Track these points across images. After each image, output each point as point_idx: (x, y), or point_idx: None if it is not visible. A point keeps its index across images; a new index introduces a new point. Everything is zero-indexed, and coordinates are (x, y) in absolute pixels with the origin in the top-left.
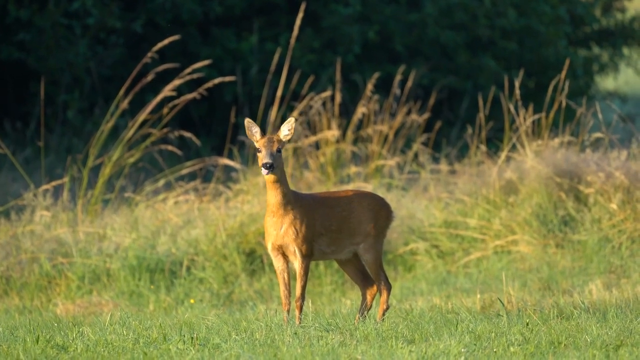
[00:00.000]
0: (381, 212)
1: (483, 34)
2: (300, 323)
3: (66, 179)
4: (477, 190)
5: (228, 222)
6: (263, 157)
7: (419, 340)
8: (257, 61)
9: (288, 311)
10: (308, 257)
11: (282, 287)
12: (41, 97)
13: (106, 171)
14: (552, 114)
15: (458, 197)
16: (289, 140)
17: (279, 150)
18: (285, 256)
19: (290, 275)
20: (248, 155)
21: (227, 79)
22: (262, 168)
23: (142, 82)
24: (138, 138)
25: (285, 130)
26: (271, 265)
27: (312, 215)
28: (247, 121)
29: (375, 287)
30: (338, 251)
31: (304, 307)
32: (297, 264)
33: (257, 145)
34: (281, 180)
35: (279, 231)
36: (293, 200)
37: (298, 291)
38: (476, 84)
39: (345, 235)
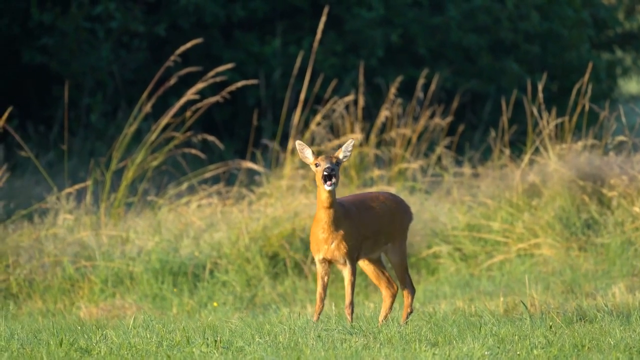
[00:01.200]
0: (406, 212)
1: (506, 37)
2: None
3: (89, 183)
4: (500, 194)
5: (251, 226)
6: (324, 169)
7: (443, 344)
8: (280, 65)
9: (320, 313)
10: (356, 263)
11: (319, 289)
12: (65, 101)
13: (129, 174)
14: (575, 118)
15: (481, 200)
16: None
17: (338, 164)
18: (330, 263)
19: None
20: (271, 158)
21: (250, 82)
22: (324, 180)
23: (165, 86)
24: (161, 141)
25: (346, 152)
26: (294, 268)
27: (358, 223)
28: (299, 143)
29: (395, 288)
30: (375, 251)
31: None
32: (346, 272)
33: (313, 162)
34: (334, 199)
35: (330, 246)
36: (342, 215)
37: (348, 297)
38: (499, 87)
39: (382, 236)
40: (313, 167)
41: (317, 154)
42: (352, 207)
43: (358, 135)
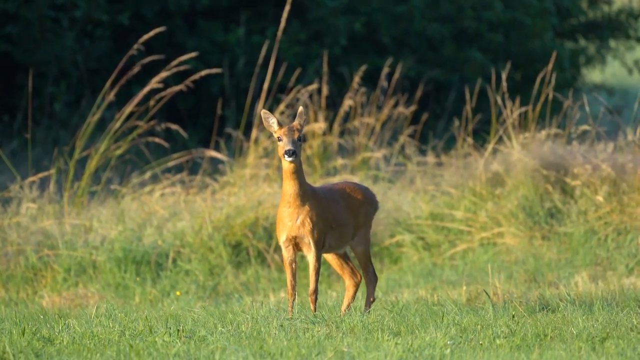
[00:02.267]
0: (371, 203)
1: (469, 26)
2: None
3: (52, 171)
4: (464, 183)
5: (214, 214)
6: (285, 145)
7: (405, 333)
8: (243, 54)
9: (293, 304)
10: (321, 249)
11: (289, 277)
12: (29, 90)
13: (92, 163)
14: (538, 107)
15: (444, 189)
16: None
17: (299, 139)
18: (295, 247)
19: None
20: (234, 147)
21: (214, 71)
22: (285, 155)
23: (128, 75)
24: (125, 130)
25: (301, 120)
26: (257, 257)
27: (325, 208)
28: (264, 112)
29: (359, 277)
30: (342, 245)
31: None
32: (311, 256)
33: (276, 134)
34: (300, 171)
35: (295, 222)
36: (309, 192)
37: (312, 285)
38: (463, 77)
39: (348, 229)
40: (276, 139)
41: (280, 124)
42: (319, 192)
43: (322, 124)
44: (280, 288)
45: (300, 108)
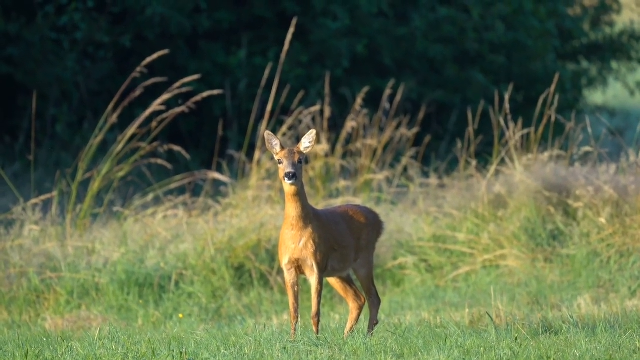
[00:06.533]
0: (375, 225)
1: (471, 47)
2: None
3: (55, 193)
4: (466, 205)
5: (217, 237)
6: (285, 167)
7: (408, 355)
8: (245, 75)
9: (296, 326)
10: (323, 271)
11: (291, 300)
12: (33, 112)
13: (95, 185)
14: (541, 128)
15: (447, 211)
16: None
17: (300, 162)
18: (297, 270)
19: (300, 289)
20: (237, 169)
21: (216, 92)
22: (285, 178)
23: (130, 97)
24: (127, 152)
25: (307, 143)
26: (260, 279)
27: (327, 230)
28: (267, 133)
29: (363, 300)
30: (345, 268)
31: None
32: (313, 279)
33: (277, 157)
34: (301, 193)
35: (298, 245)
36: (312, 214)
37: (315, 307)
38: (465, 98)
39: (350, 252)
40: (277, 161)
41: (282, 146)
42: (321, 215)
43: (324, 146)
44: (283, 310)
45: (313, 131)
